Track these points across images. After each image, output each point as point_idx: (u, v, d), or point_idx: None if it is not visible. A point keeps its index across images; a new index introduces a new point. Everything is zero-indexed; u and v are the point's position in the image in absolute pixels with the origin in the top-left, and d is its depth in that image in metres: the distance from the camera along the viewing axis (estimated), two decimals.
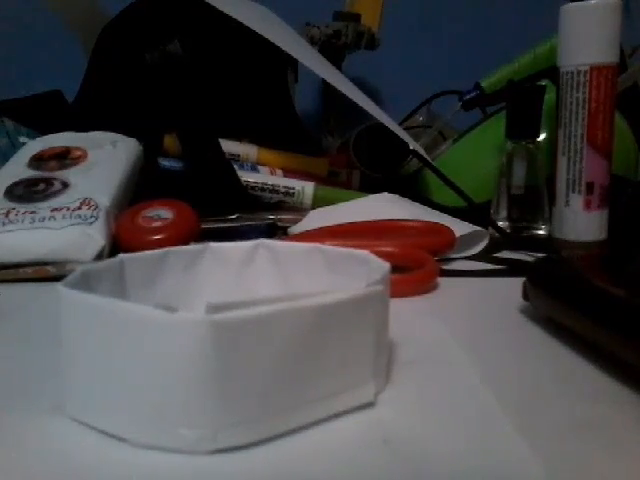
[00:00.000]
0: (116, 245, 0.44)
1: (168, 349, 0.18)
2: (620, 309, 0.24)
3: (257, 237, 0.31)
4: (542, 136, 0.54)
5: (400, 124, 0.78)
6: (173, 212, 0.45)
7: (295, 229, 0.49)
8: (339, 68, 0.78)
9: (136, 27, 0.63)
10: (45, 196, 0.44)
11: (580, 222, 0.49)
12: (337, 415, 0.21)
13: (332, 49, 0.77)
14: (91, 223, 0.42)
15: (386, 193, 0.52)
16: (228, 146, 0.60)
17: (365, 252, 0.27)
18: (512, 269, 0.42)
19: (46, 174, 0.47)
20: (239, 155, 0.61)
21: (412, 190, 0.63)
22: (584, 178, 0.48)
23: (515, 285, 0.37)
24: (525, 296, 0.32)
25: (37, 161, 0.49)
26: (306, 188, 0.57)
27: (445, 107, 0.72)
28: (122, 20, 0.63)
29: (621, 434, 0.20)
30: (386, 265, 0.24)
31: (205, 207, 0.49)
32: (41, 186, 0.45)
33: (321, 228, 0.44)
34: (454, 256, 0.44)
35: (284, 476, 0.18)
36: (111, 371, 0.19)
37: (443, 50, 1.00)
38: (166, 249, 0.29)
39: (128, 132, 0.55)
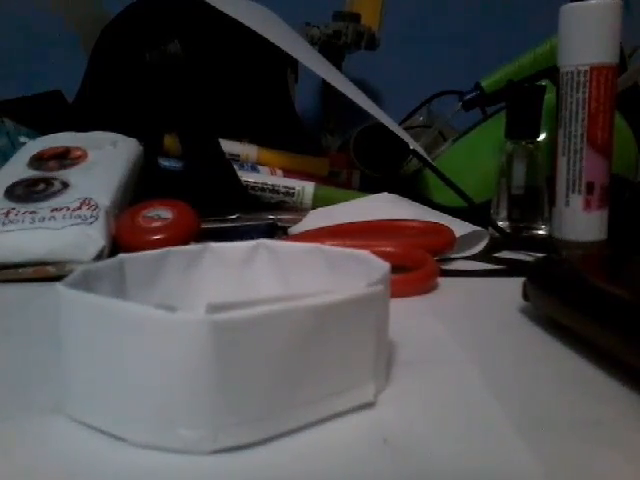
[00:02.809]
0: (116, 245, 0.44)
1: (168, 349, 0.18)
2: (620, 309, 0.24)
3: (257, 237, 0.31)
4: (542, 136, 0.54)
5: (400, 124, 0.78)
6: (173, 212, 0.45)
7: (295, 229, 0.49)
8: (339, 68, 0.78)
9: (136, 27, 0.63)
10: (45, 196, 0.44)
11: (580, 222, 0.49)
12: (337, 415, 0.21)
13: (332, 49, 0.77)
14: (91, 223, 0.42)
15: (386, 193, 0.52)
16: (228, 146, 0.60)
17: (365, 252, 0.27)
18: (512, 269, 0.42)
19: (46, 174, 0.47)
20: (239, 155, 0.61)
21: (412, 190, 0.63)
22: (584, 178, 0.48)
23: (515, 285, 0.37)
24: (525, 296, 0.32)
25: (37, 161, 0.49)
26: (306, 188, 0.57)
27: (445, 107, 0.73)
28: (122, 20, 0.63)
29: (621, 434, 0.20)
30: (386, 265, 0.24)
31: (205, 207, 0.49)
32: (41, 186, 0.45)
33: (321, 228, 0.44)
34: (454, 256, 0.44)
35: (284, 476, 0.18)
36: (111, 371, 0.19)
37: (443, 50, 1.00)
38: (166, 249, 0.29)
39: (128, 132, 0.55)
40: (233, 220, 0.52)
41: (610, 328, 0.25)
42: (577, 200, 0.49)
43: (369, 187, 0.64)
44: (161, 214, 0.45)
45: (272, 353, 0.19)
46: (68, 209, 0.43)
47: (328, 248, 0.29)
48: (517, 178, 0.52)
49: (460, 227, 0.44)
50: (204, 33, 0.64)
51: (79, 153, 0.50)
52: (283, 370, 0.19)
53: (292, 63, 0.69)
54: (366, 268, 0.27)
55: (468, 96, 0.66)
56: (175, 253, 0.29)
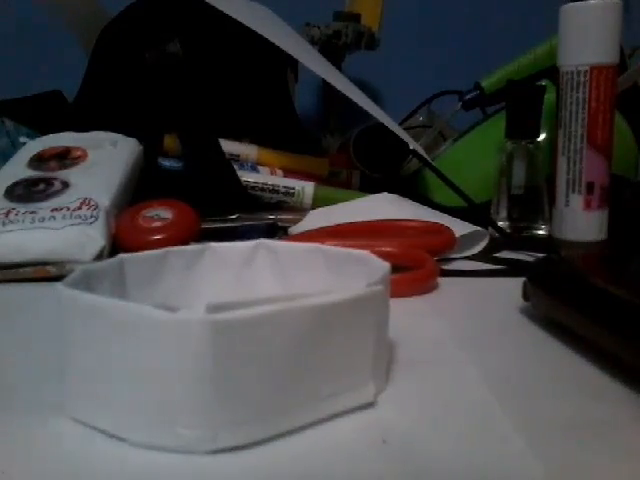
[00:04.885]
0: (116, 245, 0.44)
1: (168, 349, 0.18)
2: (620, 309, 0.24)
3: (257, 237, 0.31)
4: (542, 136, 0.54)
5: (400, 124, 0.78)
6: (173, 212, 0.45)
7: (295, 229, 0.49)
8: (339, 68, 0.78)
9: (136, 27, 0.63)
10: (45, 196, 0.44)
11: (580, 222, 0.49)
12: (337, 415, 0.21)
13: (332, 49, 0.77)
14: (91, 223, 0.42)
15: (386, 193, 0.52)
16: (228, 146, 0.60)
17: (365, 252, 0.27)
18: (512, 269, 0.42)
19: (46, 174, 0.47)
20: (239, 155, 0.61)
21: (412, 190, 0.63)
22: (584, 178, 0.48)
23: (515, 285, 0.37)
24: (525, 296, 0.32)
25: (37, 161, 0.49)
26: (306, 188, 0.57)
27: (445, 107, 0.72)
28: (122, 20, 0.63)
29: (621, 434, 0.20)
30: (386, 265, 0.24)
31: (205, 207, 0.49)
32: (41, 186, 0.45)
33: (321, 228, 0.44)
34: (454, 256, 0.44)
35: (284, 476, 0.18)
36: (111, 370, 0.19)
37: (443, 50, 1.00)
38: (166, 249, 0.29)
39: (128, 132, 0.55)
40: (233, 220, 0.52)
41: (610, 328, 0.25)
42: (577, 200, 0.49)
43: (369, 187, 0.64)
44: (161, 214, 0.45)
45: (272, 353, 0.19)
46: (68, 209, 0.43)
47: (328, 248, 0.29)
48: (517, 178, 0.52)
49: (460, 227, 0.44)
50: (204, 33, 0.64)
51: (79, 153, 0.50)
52: (283, 370, 0.19)
53: (292, 63, 0.69)
54: (366, 268, 0.27)
55: (468, 96, 0.66)
56: (175, 253, 0.29)
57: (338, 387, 0.21)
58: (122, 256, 0.27)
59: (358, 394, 0.22)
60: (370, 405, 0.22)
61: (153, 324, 0.19)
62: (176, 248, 0.29)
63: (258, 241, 0.30)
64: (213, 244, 0.30)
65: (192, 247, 0.30)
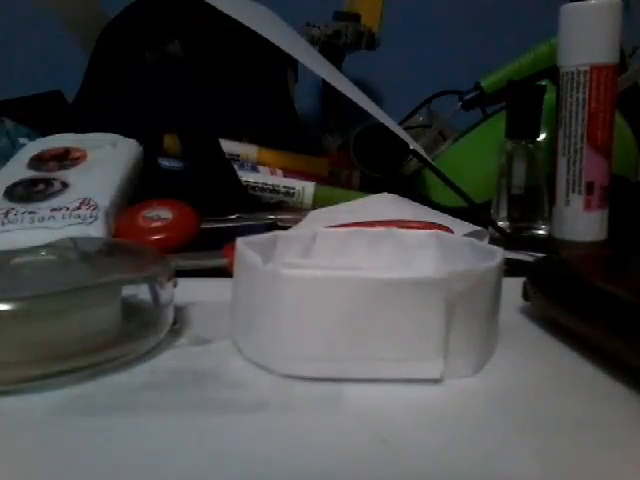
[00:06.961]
0: None
1: (262, 291, 0.25)
2: (620, 309, 0.24)
3: None
4: (542, 136, 0.54)
5: (400, 124, 0.78)
6: (173, 212, 0.45)
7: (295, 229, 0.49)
8: (339, 68, 0.78)
9: (136, 27, 0.63)
10: (45, 196, 0.44)
11: (580, 222, 0.49)
12: (336, 412, 0.21)
13: (332, 49, 0.77)
14: (90, 223, 0.42)
15: (386, 193, 0.52)
16: (228, 146, 0.60)
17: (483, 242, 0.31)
18: (512, 269, 0.42)
19: (46, 174, 0.47)
20: (239, 155, 0.61)
21: (412, 190, 0.63)
22: (584, 178, 0.48)
23: (515, 285, 0.37)
24: (525, 296, 0.32)
25: (37, 161, 0.49)
26: (306, 188, 0.57)
27: (445, 107, 0.72)
28: (122, 20, 0.63)
29: (621, 434, 0.20)
30: (499, 251, 0.27)
31: (205, 207, 0.49)
32: (40, 186, 0.45)
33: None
34: None
35: (284, 475, 0.18)
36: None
37: (443, 50, 1.00)
38: (315, 231, 0.33)
39: (128, 132, 0.55)
40: (233, 220, 0.52)
41: (610, 328, 0.25)
42: (577, 200, 0.49)
43: (369, 187, 0.64)
44: (161, 214, 0.45)
45: (331, 309, 0.23)
46: (67, 209, 0.43)
47: (445, 235, 0.33)
48: (517, 178, 0.52)
49: (460, 227, 0.44)
50: (204, 33, 0.64)
51: (79, 153, 0.50)
52: (341, 325, 0.23)
53: (292, 63, 0.69)
54: (480, 254, 0.29)
55: (468, 96, 0.66)
56: (324, 235, 0.33)
57: (400, 354, 0.23)
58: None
59: (423, 367, 0.23)
60: (369, 404, 0.22)
61: (259, 274, 0.25)
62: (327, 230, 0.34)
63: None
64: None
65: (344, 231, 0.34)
